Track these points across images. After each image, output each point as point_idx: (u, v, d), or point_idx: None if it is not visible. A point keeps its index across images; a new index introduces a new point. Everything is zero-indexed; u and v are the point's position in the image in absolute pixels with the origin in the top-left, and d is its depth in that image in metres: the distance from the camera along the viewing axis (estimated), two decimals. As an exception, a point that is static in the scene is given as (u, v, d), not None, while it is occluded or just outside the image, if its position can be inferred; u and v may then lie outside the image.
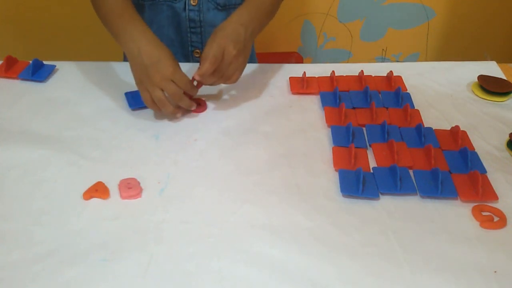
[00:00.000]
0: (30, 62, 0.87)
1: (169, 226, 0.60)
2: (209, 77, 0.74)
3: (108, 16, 0.78)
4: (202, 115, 0.79)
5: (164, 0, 0.88)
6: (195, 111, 0.79)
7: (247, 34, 0.75)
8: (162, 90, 0.73)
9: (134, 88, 0.84)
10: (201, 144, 0.73)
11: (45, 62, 0.90)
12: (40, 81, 0.86)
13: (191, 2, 0.88)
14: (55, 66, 0.90)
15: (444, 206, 0.63)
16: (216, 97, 0.83)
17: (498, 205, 0.63)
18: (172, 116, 0.77)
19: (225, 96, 0.83)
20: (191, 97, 0.77)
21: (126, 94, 0.82)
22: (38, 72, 0.87)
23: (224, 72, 0.74)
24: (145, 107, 0.80)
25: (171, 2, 0.88)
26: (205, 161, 0.70)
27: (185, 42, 0.93)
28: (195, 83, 0.76)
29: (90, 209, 0.62)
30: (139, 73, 0.74)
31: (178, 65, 0.74)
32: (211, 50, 0.72)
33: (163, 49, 0.73)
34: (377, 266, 0.55)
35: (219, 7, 0.90)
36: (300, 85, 0.85)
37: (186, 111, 0.78)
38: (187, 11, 0.89)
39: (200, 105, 0.80)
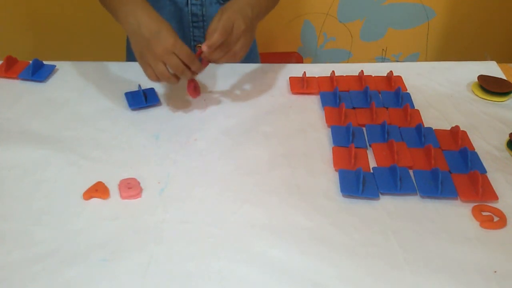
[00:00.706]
0: (30, 62, 0.87)
1: (169, 226, 0.60)
2: (216, 51, 0.71)
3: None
4: (202, 115, 0.79)
5: None
6: (191, 94, 0.77)
7: (254, 13, 0.75)
8: (165, 64, 0.70)
9: (134, 88, 0.84)
10: (201, 144, 0.73)
11: (45, 62, 0.90)
12: (40, 81, 0.86)
13: None
14: (55, 66, 0.90)
15: (444, 206, 0.63)
16: (216, 97, 0.83)
17: (498, 205, 0.63)
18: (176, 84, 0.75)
19: (225, 96, 0.83)
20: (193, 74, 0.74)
21: (126, 94, 0.82)
22: (38, 72, 0.87)
23: (232, 47, 0.72)
24: (145, 107, 0.80)
25: None
26: (205, 161, 0.70)
27: (188, 36, 0.93)
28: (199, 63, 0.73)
29: (90, 209, 0.62)
30: (140, 47, 0.72)
31: (178, 37, 0.71)
32: (221, 22, 0.70)
33: (163, 22, 0.71)
34: (377, 266, 0.55)
35: (221, 1, 0.89)
36: (300, 85, 0.85)
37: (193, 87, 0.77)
38: (189, 5, 0.89)
39: (195, 88, 0.77)
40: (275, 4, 0.85)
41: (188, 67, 0.72)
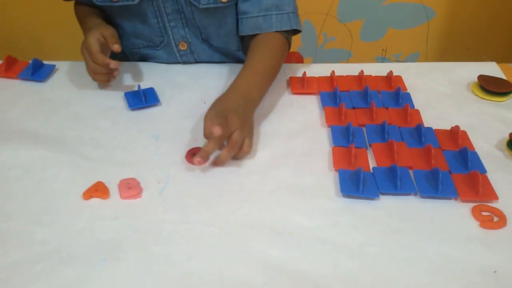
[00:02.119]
0: (30, 62, 0.87)
1: (169, 226, 0.60)
2: (220, 150, 0.67)
3: (80, 22, 0.90)
4: (202, 115, 0.79)
5: (146, 48, 0.90)
6: (188, 160, 0.69)
7: (247, 105, 0.72)
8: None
9: (134, 88, 0.84)
10: (201, 145, 0.72)
11: (45, 62, 0.90)
12: (40, 81, 0.86)
13: (180, 47, 0.89)
14: (55, 66, 0.90)
15: (444, 206, 0.63)
16: (216, 97, 0.83)
17: (498, 205, 0.63)
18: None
19: (225, 96, 0.83)
20: None
21: (126, 94, 0.82)
22: (38, 72, 0.87)
23: (233, 142, 0.66)
24: (144, 107, 0.80)
25: (153, 49, 0.90)
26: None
27: None
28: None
29: (90, 209, 0.62)
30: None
31: (94, 47, 0.77)
32: (213, 125, 0.65)
33: (89, 33, 0.79)
34: (377, 266, 0.55)
35: (212, 49, 0.90)
36: (300, 85, 0.85)
37: None
38: (178, 57, 0.90)
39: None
40: (271, 82, 0.81)
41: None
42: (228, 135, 0.67)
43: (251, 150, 0.69)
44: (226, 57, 0.92)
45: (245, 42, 0.88)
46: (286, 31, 0.84)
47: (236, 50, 0.91)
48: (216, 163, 0.68)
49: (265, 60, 0.80)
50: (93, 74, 0.81)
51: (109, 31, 0.80)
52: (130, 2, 0.82)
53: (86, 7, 0.90)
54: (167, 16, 0.85)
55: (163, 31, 0.87)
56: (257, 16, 0.81)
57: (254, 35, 0.83)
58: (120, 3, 0.83)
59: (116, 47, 0.77)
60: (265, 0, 0.81)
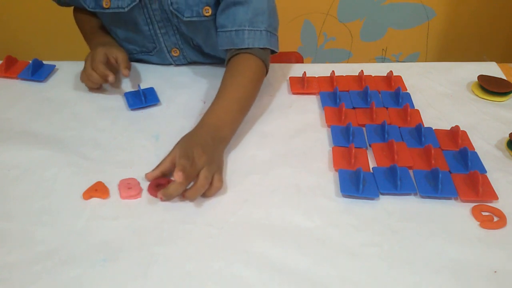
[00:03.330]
0: (30, 62, 0.87)
1: (169, 226, 0.60)
2: (177, 186, 0.61)
3: (85, 35, 0.94)
4: (202, 115, 0.79)
5: (140, 53, 0.91)
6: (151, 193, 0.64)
7: (216, 143, 0.68)
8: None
9: (135, 88, 0.84)
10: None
11: (44, 62, 0.90)
12: (40, 81, 0.86)
13: (173, 53, 0.89)
14: (55, 66, 0.90)
15: (444, 206, 0.63)
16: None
17: (498, 205, 0.63)
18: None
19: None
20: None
21: (126, 94, 0.82)
22: (38, 72, 0.87)
23: (200, 182, 0.62)
24: (144, 107, 0.80)
25: (146, 55, 0.91)
26: (205, 161, 0.70)
27: None
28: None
29: (90, 209, 0.62)
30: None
31: (100, 57, 0.80)
32: (169, 155, 0.65)
33: (102, 47, 0.82)
34: (377, 266, 0.55)
35: (204, 55, 0.91)
36: (300, 85, 0.85)
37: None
38: (171, 61, 0.91)
39: (158, 186, 0.64)
40: (246, 113, 0.76)
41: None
42: (195, 173, 0.63)
43: (223, 185, 0.65)
44: (219, 61, 0.91)
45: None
46: (263, 51, 0.80)
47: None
48: (184, 198, 0.63)
49: (239, 90, 0.75)
50: (86, 80, 0.82)
51: (123, 55, 0.82)
52: (121, 10, 0.82)
53: (88, 15, 0.91)
54: (157, 23, 0.85)
55: (154, 38, 0.87)
56: (230, 30, 0.79)
57: (231, 56, 0.79)
58: (111, 10, 0.83)
59: (126, 72, 0.80)
60: (239, 14, 0.78)
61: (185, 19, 0.82)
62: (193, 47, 0.89)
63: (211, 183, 0.63)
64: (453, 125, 0.74)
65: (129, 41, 0.89)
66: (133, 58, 0.92)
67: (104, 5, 0.83)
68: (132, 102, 0.80)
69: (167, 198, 0.61)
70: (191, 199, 0.63)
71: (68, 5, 0.93)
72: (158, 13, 0.84)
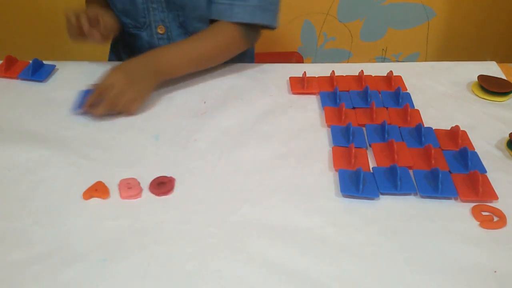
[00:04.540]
0: (30, 62, 0.87)
1: (169, 226, 0.60)
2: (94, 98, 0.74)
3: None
4: (202, 115, 0.79)
5: (134, 28, 0.91)
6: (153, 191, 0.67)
7: (147, 72, 0.77)
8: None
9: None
10: (201, 144, 0.73)
11: (45, 62, 0.90)
12: (40, 81, 0.86)
13: (158, 30, 0.89)
14: (55, 66, 0.90)
15: (444, 206, 0.63)
16: (216, 97, 0.83)
17: (498, 205, 0.63)
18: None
19: (225, 96, 0.83)
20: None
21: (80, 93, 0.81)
22: (38, 72, 0.87)
23: (109, 95, 0.74)
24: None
25: (138, 30, 0.91)
26: (205, 161, 0.70)
27: None
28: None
29: (90, 209, 0.62)
30: None
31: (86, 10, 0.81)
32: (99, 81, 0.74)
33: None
34: (377, 266, 0.55)
35: (187, 33, 0.90)
36: (300, 85, 0.85)
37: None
38: (156, 39, 0.91)
39: (159, 185, 0.66)
40: (199, 68, 0.84)
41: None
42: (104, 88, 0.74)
43: (134, 109, 0.77)
44: None
45: None
46: (250, 25, 0.83)
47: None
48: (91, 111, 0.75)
49: (197, 46, 0.82)
50: (68, 27, 0.81)
51: (112, 22, 0.82)
52: None
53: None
54: None
55: (146, 12, 0.88)
56: (223, 3, 0.81)
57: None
58: None
59: (96, 35, 0.79)
60: None
61: None
62: (179, 26, 0.89)
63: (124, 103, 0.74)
64: (453, 125, 0.74)
65: (126, 14, 0.90)
66: (128, 32, 0.92)
67: None
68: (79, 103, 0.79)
69: (93, 112, 0.74)
70: (97, 114, 0.75)
71: None
72: None
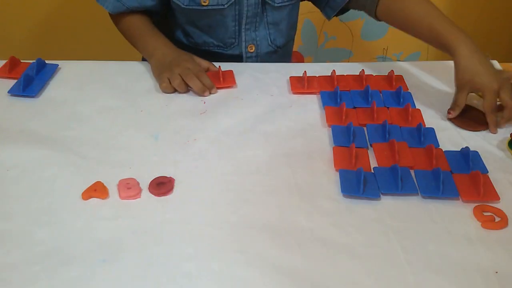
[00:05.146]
0: (31, 62, 0.87)
1: (168, 226, 0.60)
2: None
3: (133, 35, 0.91)
4: (202, 115, 0.79)
5: (215, 47, 0.93)
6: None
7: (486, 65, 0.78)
8: (181, 78, 0.82)
9: (135, 88, 0.83)
10: (201, 144, 0.73)
11: (47, 62, 0.89)
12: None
13: (248, 49, 0.92)
14: (58, 65, 0.89)
15: (445, 206, 0.63)
16: (216, 97, 0.83)
17: (499, 205, 0.63)
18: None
19: (225, 96, 0.83)
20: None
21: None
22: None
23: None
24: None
25: (223, 49, 0.93)
26: (205, 161, 0.70)
27: None
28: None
29: (89, 209, 0.62)
30: (160, 69, 0.84)
31: (192, 57, 0.85)
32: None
33: (179, 50, 0.87)
34: (378, 267, 0.55)
35: (277, 48, 0.94)
36: (301, 85, 0.85)
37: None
38: (244, 58, 0.94)
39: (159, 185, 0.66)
40: None
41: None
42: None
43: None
44: (284, 57, 1.00)
45: None
46: None
47: (291, 40, 1.01)
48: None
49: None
50: (181, 86, 0.82)
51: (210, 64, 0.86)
52: (220, 7, 0.85)
53: (140, 16, 0.90)
54: (246, 19, 0.88)
55: (236, 34, 0.90)
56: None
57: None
58: (209, 7, 0.85)
59: (214, 91, 0.82)
60: None
61: (276, 5, 0.88)
62: (269, 44, 0.93)
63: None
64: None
65: (210, 35, 0.91)
66: (209, 51, 0.93)
67: (202, 3, 0.85)
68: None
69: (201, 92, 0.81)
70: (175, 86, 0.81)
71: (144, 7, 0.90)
72: (251, 8, 0.87)
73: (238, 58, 0.94)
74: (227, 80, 0.84)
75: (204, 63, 0.86)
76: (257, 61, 0.95)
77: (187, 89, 0.82)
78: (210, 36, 0.91)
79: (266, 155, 0.71)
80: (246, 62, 0.94)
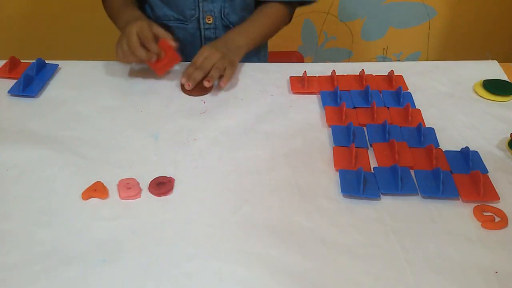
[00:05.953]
0: (32, 62, 0.87)
1: (169, 226, 0.60)
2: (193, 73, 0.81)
3: (113, 13, 0.94)
4: (202, 115, 0.79)
5: (176, 21, 0.94)
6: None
7: (230, 48, 0.85)
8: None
9: (135, 88, 0.83)
10: (201, 144, 0.73)
11: (46, 61, 0.89)
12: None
13: (206, 20, 0.93)
14: (58, 65, 0.89)
15: (445, 207, 0.63)
16: (216, 97, 0.83)
17: (499, 205, 0.63)
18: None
19: (225, 96, 0.83)
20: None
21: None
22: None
23: (205, 65, 0.82)
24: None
25: (182, 23, 0.93)
26: (205, 161, 0.70)
27: None
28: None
29: (89, 209, 0.62)
30: (120, 38, 0.84)
31: (145, 24, 0.81)
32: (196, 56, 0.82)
33: (139, 17, 0.86)
34: (378, 267, 0.55)
35: (229, 23, 0.94)
36: (301, 85, 0.85)
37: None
38: (202, 29, 0.94)
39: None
40: (264, 40, 0.97)
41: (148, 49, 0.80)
42: (209, 65, 0.82)
43: (233, 73, 0.85)
44: (255, 55, 1.00)
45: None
46: (292, 4, 0.95)
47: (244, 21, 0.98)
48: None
49: (260, 24, 0.92)
50: (130, 55, 0.81)
51: (159, 28, 0.83)
52: None
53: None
54: None
55: (195, 5, 0.91)
56: None
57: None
58: None
59: (173, 44, 0.82)
60: None
61: None
62: (222, 17, 0.94)
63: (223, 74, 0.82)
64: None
65: (170, 7, 0.92)
66: (166, 25, 0.94)
67: None
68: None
69: (191, 81, 0.81)
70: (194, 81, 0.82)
71: None
72: None
73: (195, 32, 0.94)
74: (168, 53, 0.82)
75: (161, 32, 0.82)
76: (215, 35, 0.94)
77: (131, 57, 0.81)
78: (170, 9, 0.92)
79: (266, 155, 0.71)
80: (204, 35, 0.95)
